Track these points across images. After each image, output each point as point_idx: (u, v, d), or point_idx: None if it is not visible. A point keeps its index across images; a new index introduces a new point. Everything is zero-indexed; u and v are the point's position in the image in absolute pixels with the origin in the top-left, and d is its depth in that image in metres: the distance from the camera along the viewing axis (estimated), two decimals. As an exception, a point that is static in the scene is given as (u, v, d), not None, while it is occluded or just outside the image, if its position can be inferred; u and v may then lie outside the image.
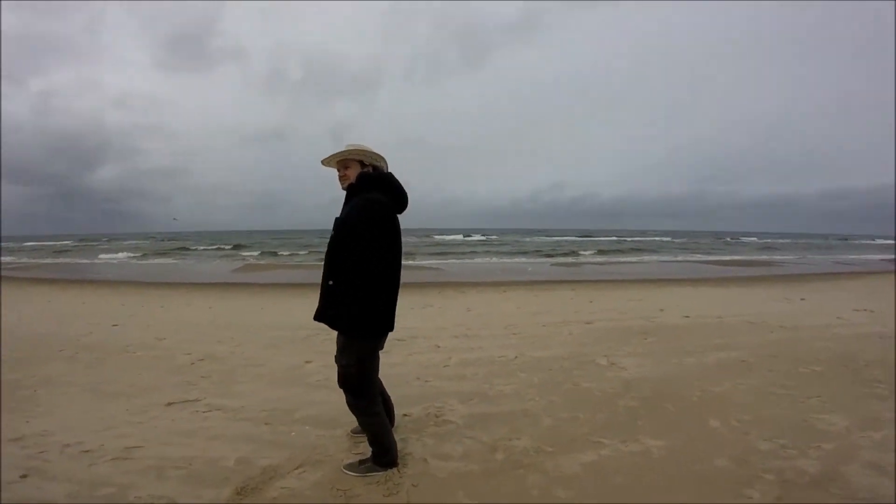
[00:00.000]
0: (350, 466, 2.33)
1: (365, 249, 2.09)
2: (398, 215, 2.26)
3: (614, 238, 49.20)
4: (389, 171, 2.38)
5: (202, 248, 32.59)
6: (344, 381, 2.26)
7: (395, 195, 2.24)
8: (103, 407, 3.30)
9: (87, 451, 2.57)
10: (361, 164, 2.28)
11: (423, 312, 7.72)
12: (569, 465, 2.42)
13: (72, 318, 7.13)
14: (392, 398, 2.77)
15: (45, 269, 19.11)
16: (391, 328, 2.25)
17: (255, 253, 28.41)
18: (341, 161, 2.27)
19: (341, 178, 2.28)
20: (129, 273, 17.43)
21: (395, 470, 2.32)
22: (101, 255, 27.52)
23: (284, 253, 27.58)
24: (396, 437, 2.71)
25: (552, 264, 20.85)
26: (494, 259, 23.22)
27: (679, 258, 25.97)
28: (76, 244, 42.23)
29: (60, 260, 25.55)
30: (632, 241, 46.02)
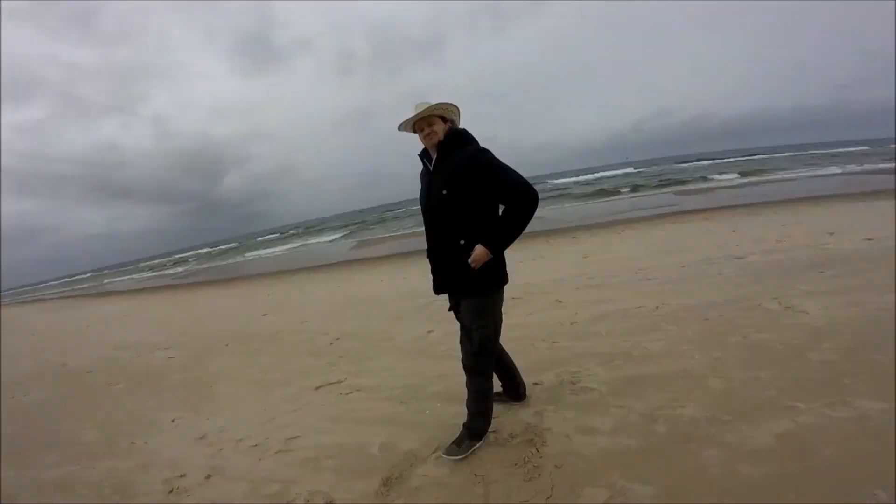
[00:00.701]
0: (450, 451, 2.20)
1: (501, 187, 2.02)
2: None
3: (743, 158, 42.20)
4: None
5: (324, 236, 35.90)
6: (483, 346, 2.13)
7: None
8: (266, 398, 3.63)
9: (256, 446, 2.80)
10: (442, 119, 2.17)
11: (534, 265, 7.36)
12: (758, 435, 1.98)
13: (229, 313, 8.23)
14: (519, 362, 2.58)
15: (208, 273, 22.68)
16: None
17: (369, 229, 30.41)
18: (425, 118, 2.13)
19: (428, 136, 2.14)
20: (266, 266, 19.82)
21: (533, 449, 2.12)
22: (247, 254, 31.80)
23: (390, 226, 29.06)
24: (529, 409, 2.53)
25: (675, 193, 18.63)
26: (601, 201, 21.44)
27: (831, 171, 21.16)
28: (230, 247, 49.12)
29: (216, 263, 30.13)
30: (763, 157, 39.09)
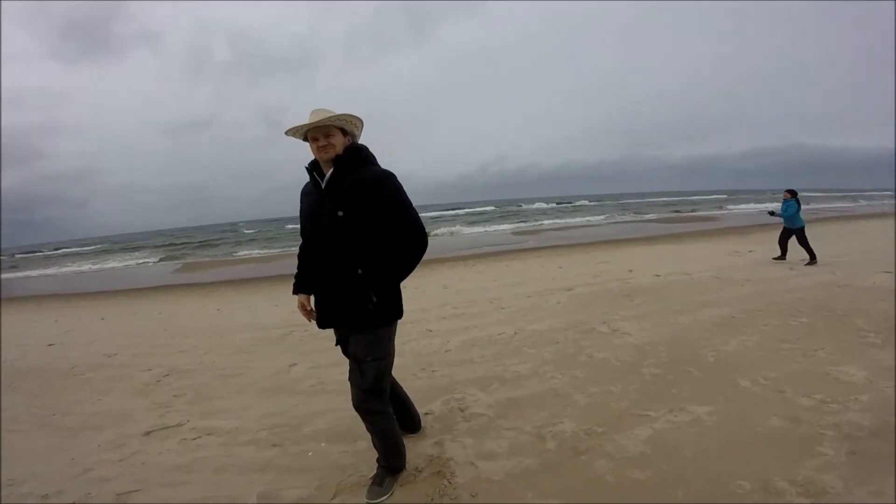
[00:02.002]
0: (373, 493, 1.99)
1: (399, 222, 1.86)
2: None
3: (560, 204, 50.60)
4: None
5: (136, 252, 29.87)
6: (377, 381, 1.94)
7: None
8: (69, 445, 2.75)
9: (73, 504, 2.07)
10: (342, 131, 1.94)
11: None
12: (630, 443, 2.25)
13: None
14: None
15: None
16: None
17: (193, 250, 26.44)
18: (322, 128, 1.87)
19: (323, 148, 1.88)
20: (53, 285, 15.57)
21: (445, 481, 2.03)
22: (29, 271, 24.41)
23: (223, 248, 25.83)
24: (427, 440, 2.44)
25: (511, 233, 21.02)
26: (454, 229, 23.08)
27: (626, 218, 27.16)
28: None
29: None
30: (576, 204, 47.61)
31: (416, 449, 2.34)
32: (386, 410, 2.03)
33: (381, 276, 1.84)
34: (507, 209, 45.34)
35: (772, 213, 8.62)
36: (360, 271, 1.83)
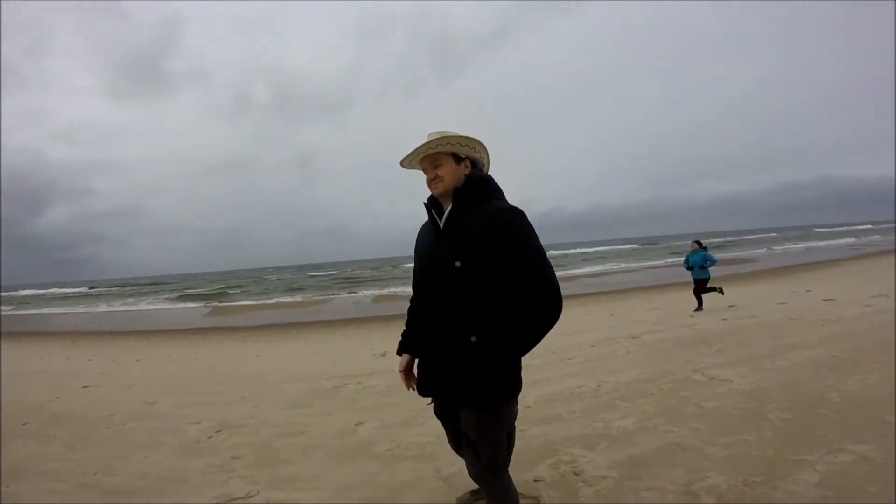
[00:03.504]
0: None
1: (525, 274, 1.48)
2: None
3: (590, 249, 50.01)
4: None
5: (171, 292, 30.33)
6: (494, 458, 1.58)
7: None
8: None
9: None
10: (456, 157, 1.63)
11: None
12: (801, 489, 2.06)
13: (27, 378, 5.88)
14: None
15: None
16: None
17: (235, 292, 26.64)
18: (429, 157, 1.61)
19: (433, 181, 1.62)
20: (89, 323, 15.63)
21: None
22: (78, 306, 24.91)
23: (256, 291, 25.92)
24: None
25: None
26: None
27: (662, 262, 26.44)
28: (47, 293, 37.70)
29: (21, 312, 22.72)
30: (600, 249, 46.98)
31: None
32: (506, 486, 1.66)
33: (501, 348, 1.47)
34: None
35: (689, 268, 8.75)
36: (473, 339, 1.47)
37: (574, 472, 2.40)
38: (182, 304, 22.22)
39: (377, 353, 6.63)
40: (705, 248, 8.70)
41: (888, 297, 7.12)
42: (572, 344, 6.06)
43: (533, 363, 5.16)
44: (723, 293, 8.62)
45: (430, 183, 1.62)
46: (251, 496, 2.47)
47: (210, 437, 3.46)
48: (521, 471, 2.37)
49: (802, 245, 32.77)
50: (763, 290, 10.52)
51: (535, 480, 2.35)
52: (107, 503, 2.50)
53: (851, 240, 34.59)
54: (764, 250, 30.49)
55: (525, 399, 3.77)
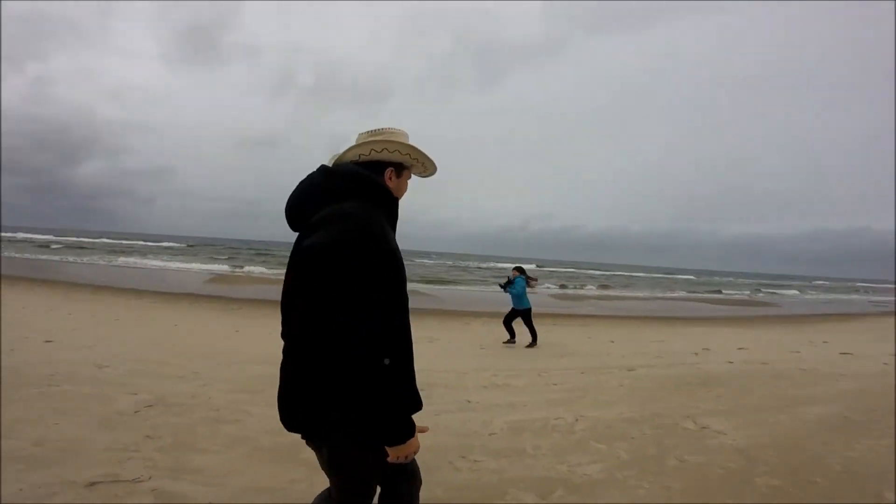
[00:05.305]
0: None
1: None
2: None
3: (604, 272, 48.98)
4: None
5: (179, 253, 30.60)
6: None
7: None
8: None
9: None
10: None
11: (429, 348, 6.56)
12: None
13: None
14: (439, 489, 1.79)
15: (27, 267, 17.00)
16: None
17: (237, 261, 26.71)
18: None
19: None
20: (88, 274, 15.66)
21: None
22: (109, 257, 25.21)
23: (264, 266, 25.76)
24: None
25: (550, 295, 19.89)
26: (487, 287, 22.06)
27: (675, 294, 25.60)
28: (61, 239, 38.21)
29: (44, 256, 22.89)
30: (620, 275, 45.91)
31: None
32: None
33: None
34: (550, 269, 44.31)
35: (503, 287, 7.74)
36: (386, 361, 1.13)
37: (515, 523, 1.98)
38: (189, 266, 22.29)
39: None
40: (524, 276, 7.58)
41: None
42: (561, 368, 5.64)
43: (515, 383, 4.75)
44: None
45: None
46: (140, 481, 2.15)
47: (137, 412, 3.15)
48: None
49: (831, 296, 31.72)
50: (778, 336, 9.87)
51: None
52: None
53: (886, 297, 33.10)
54: (793, 292, 29.58)
55: (492, 423, 3.39)
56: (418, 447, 1.22)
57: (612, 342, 8.35)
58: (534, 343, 7.20)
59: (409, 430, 1.17)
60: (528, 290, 7.54)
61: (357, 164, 1.33)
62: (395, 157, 1.34)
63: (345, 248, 1.12)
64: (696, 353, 7.07)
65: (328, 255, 1.12)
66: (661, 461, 2.79)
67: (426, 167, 1.43)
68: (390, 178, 1.34)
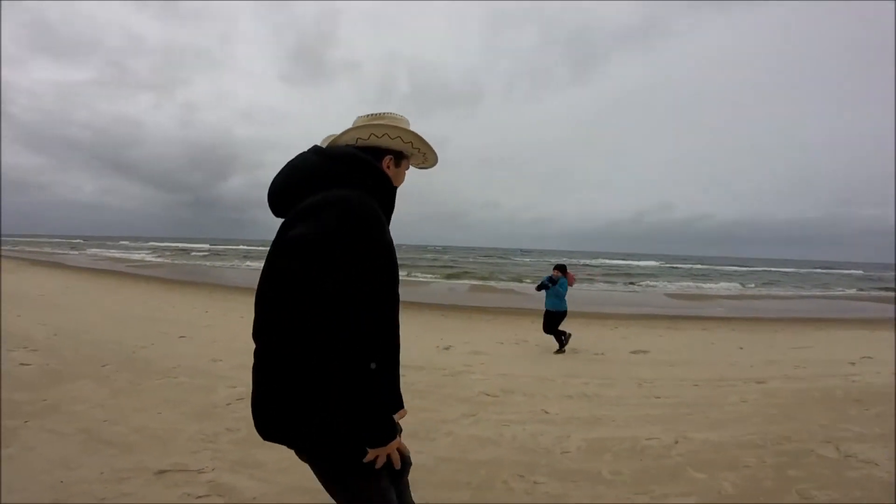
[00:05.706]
0: None
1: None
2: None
3: (737, 268, 42.96)
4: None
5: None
6: None
7: None
8: (82, 460, 2.36)
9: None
10: None
11: (513, 350, 6.25)
12: None
13: (146, 322, 6.80)
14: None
15: (177, 271, 20.75)
16: None
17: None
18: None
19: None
20: (182, 275, 18.14)
21: None
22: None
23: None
24: None
25: (666, 294, 17.93)
26: (586, 285, 20.66)
27: (831, 292, 21.34)
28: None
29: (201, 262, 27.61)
30: (762, 270, 39.92)
31: None
32: None
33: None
34: (672, 265, 40.32)
35: (541, 288, 6.86)
36: (373, 365, 1.10)
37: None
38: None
39: (442, 346, 6.23)
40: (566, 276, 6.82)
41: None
42: (671, 378, 4.91)
43: (607, 393, 4.24)
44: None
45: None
46: (203, 472, 2.29)
47: (228, 404, 3.44)
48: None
49: None
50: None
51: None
52: (80, 453, 2.51)
53: None
54: None
55: (568, 438, 3.02)
56: (399, 445, 1.15)
57: (741, 349, 7.14)
58: (562, 349, 6.43)
59: (390, 433, 1.10)
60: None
61: (354, 147, 1.24)
62: (396, 145, 1.25)
63: (335, 239, 1.03)
64: (853, 363, 5.80)
65: (317, 248, 1.03)
66: (779, 497, 2.29)
67: (427, 158, 1.33)
68: (388, 167, 1.25)
